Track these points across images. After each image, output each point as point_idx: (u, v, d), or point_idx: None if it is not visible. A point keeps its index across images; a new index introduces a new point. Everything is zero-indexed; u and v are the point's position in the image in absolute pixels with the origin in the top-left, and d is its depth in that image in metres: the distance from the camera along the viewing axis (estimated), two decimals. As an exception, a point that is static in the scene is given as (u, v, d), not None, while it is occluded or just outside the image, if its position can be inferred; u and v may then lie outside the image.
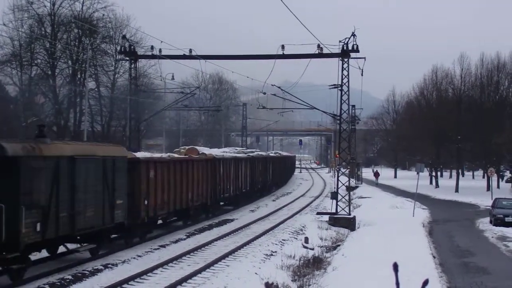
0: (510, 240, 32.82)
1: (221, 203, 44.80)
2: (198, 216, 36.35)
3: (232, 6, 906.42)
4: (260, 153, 64.12)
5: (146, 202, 27.36)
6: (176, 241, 29.04)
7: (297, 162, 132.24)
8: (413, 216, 43.04)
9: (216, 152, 43.67)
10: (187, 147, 42.41)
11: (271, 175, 64.71)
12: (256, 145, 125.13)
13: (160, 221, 33.17)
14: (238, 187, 46.78)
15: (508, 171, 79.23)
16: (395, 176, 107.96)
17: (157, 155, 32.00)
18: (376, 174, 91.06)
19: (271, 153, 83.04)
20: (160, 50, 43.35)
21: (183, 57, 44.30)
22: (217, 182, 40.02)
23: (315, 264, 24.57)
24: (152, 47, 44.67)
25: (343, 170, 47.45)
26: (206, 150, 41.47)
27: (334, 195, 41.27)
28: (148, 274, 21.11)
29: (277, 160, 73.02)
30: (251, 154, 54.09)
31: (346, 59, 40.31)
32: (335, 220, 39.44)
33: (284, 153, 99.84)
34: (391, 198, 60.50)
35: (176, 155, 34.98)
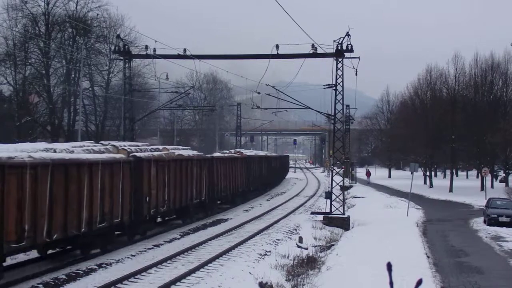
0: (504, 240, 32.88)
1: None
2: None
3: (228, 6, 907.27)
4: (180, 152, 35.53)
5: None
6: (171, 241, 29.01)
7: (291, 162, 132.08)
8: (407, 215, 43.07)
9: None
10: None
11: (208, 189, 38.92)
12: (251, 145, 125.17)
13: None
14: (76, 222, 22.05)
15: (502, 171, 79.32)
16: (389, 176, 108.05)
17: None
18: (368, 173, 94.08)
19: (227, 152, 57.15)
20: (154, 50, 43.39)
21: (177, 56, 44.30)
22: None
23: (309, 263, 24.58)
24: (146, 47, 44.74)
25: (337, 169, 47.46)
26: None
27: (328, 195, 41.28)
28: (142, 274, 21.08)
29: (228, 163, 45.24)
30: (140, 154, 28.25)
31: (340, 59, 40.34)
32: (329, 220, 39.48)
33: (249, 152, 65.45)
34: (385, 198, 60.52)
35: None
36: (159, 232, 31.02)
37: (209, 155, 44.64)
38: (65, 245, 23.61)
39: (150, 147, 31.69)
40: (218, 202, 44.67)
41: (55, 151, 22.57)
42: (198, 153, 40.62)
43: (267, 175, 66.70)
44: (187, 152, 37.15)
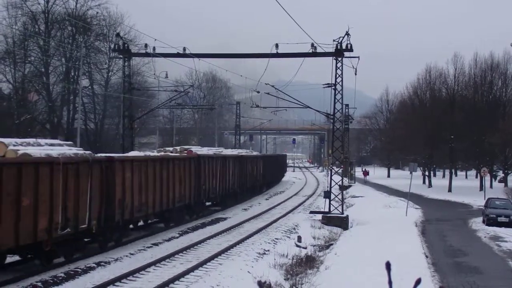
0: (502, 240, 32.88)
1: None
2: None
3: (228, 5, 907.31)
4: (28, 150, 19.64)
5: None
6: (169, 239, 29.01)
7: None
8: (406, 215, 43.06)
9: None
10: None
11: (103, 209, 24.49)
12: (250, 144, 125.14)
13: None
14: None
15: (501, 171, 79.36)
16: (388, 176, 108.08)
17: None
18: (365, 173, 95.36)
19: (171, 150, 40.17)
20: (154, 48, 43.33)
21: (177, 55, 44.24)
22: None
23: (308, 263, 24.57)
24: (146, 45, 44.69)
25: (336, 169, 47.43)
26: None
27: (327, 194, 41.26)
28: (141, 272, 21.06)
29: (151, 167, 29.73)
30: None
31: (339, 58, 40.28)
32: (328, 219, 39.45)
33: (206, 150, 45.38)
34: (384, 198, 60.50)
35: None
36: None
37: (110, 154, 28.74)
38: None
39: None
40: (150, 221, 33.70)
41: None
42: (83, 151, 24.04)
43: (239, 182, 50.87)
44: (58, 149, 22.08)
